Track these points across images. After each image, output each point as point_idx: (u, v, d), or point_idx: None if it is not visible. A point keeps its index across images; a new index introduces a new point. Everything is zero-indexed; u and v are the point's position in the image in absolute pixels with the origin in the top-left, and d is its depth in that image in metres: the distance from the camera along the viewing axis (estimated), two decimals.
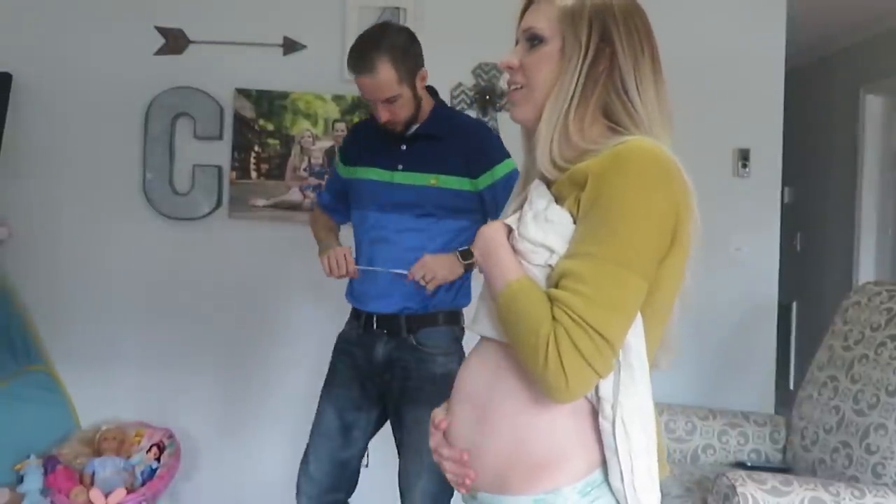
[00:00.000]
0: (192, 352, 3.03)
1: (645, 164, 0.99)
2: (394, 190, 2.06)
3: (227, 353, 3.01)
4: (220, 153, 3.04)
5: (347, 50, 2.05)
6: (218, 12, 3.04)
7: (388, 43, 1.95)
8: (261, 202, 3.01)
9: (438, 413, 1.18)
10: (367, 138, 2.15)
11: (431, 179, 2.05)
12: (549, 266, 1.02)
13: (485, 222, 2.11)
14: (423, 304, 2.07)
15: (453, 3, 3.07)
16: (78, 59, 3.01)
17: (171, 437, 2.87)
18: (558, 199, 1.06)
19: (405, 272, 2.02)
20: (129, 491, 2.61)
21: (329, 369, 2.20)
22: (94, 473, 2.69)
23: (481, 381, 1.10)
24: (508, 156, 2.10)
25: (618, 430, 0.99)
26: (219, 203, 3.03)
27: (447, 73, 3.07)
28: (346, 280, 2.15)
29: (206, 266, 3.06)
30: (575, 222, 1.02)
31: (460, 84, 3.09)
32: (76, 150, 3.03)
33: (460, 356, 2.10)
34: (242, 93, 3.02)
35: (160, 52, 3.02)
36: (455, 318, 2.14)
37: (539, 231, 1.02)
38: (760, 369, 3.21)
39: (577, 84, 1.07)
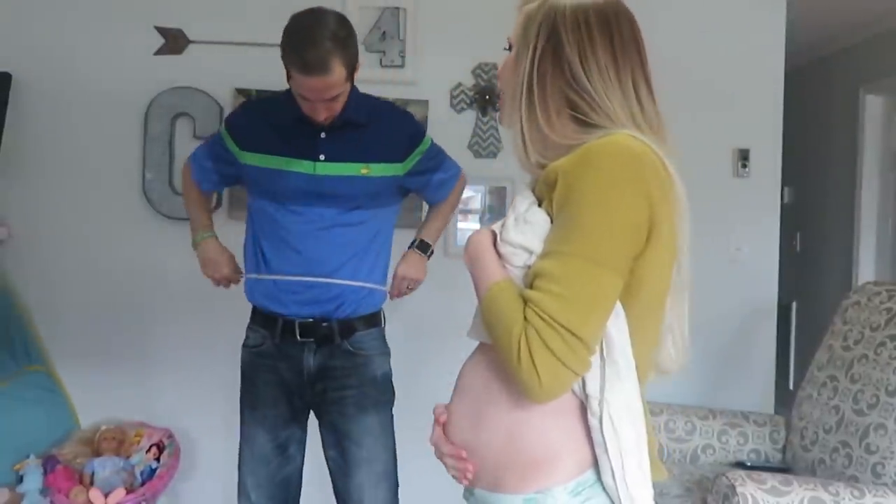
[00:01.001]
0: (191, 352, 3.03)
1: (611, 159, 1.00)
2: (317, 182, 1.90)
3: (226, 352, 2.98)
4: None
5: None
6: (218, 12, 3.04)
7: (334, 37, 1.76)
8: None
9: (440, 407, 1.18)
10: (275, 123, 1.95)
11: (362, 169, 1.92)
12: (528, 267, 1.03)
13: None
14: (354, 306, 1.96)
15: (453, 3, 3.07)
16: (78, 59, 3.01)
17: (170, 437, 2.87)
18: (540, 201, 1.07)
19: (383, 288, 1.98)
20: (129, 491, 2.60)
21: (245, 388, 2.05)
22: (93, 473, 2.69)
23: (477, 380, 1.11)
24: (426, 132, 2.09)
25: (605, 426, 0.99)
26: (218, 203, 3.03)
27: (447, 73, 3.08)
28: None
29: None
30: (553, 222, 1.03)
31: (460, 84, 3.09)
32: (76, 150, 3.02)
33: (390, 357, 2.07)
34: (242, 93, 3.02)
35: (160, 52, 3.02)
36: (379, 319, 2.05)
37: (518, 233, 1.03)
38: (760, 369, 3.21)
39: (525, 84, 1.11)
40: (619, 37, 1.10)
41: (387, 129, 1.98)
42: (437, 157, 2.09)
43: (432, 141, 2.09)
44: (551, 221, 1.03)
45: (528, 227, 1.03)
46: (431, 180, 2.09)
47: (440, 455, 1.14)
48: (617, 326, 1.00)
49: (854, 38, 4.32)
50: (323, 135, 1.92)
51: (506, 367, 1.00)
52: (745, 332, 3.18)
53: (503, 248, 1.05)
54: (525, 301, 0.98)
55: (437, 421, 1.16)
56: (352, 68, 1.84)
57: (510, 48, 1.15)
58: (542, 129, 1.09)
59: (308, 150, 1.92)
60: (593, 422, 1.00)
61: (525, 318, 0.96)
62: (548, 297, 0.96)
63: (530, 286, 0.99)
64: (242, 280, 2.09)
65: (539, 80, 1.09)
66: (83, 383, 3.00)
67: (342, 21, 1.82)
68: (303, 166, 1.91)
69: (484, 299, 1.04)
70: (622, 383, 1.00)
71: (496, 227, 1.09)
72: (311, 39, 1.74)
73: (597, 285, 0.97)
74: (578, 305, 0.96)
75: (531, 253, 1.02)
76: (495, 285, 1.02)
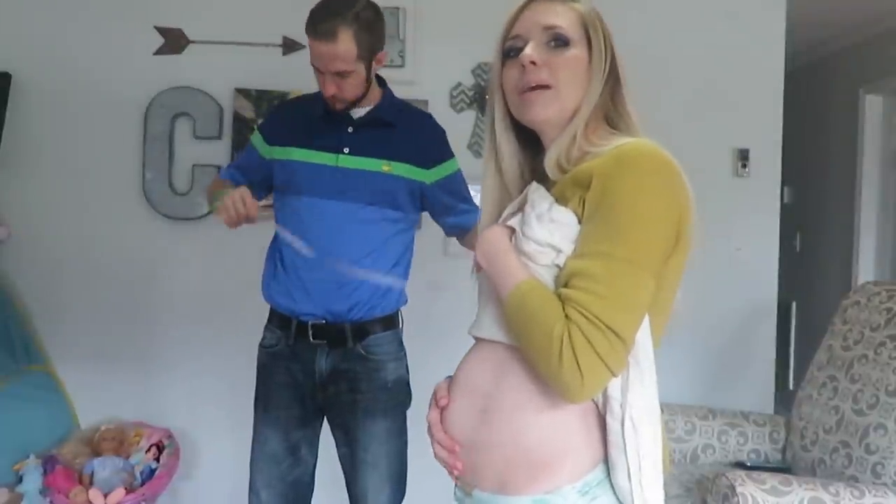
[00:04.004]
0: (191, 352, 3.03)
1: (650, 164, 1.01)
2: (338, 175, 1.90)
3: (226, 352, 3.00)
4: (220, 153, 3.04)
5: None
6: (218, 12, 3.04)
7: (354, 13, 1.78)
8: (260, 202, 3.00)
9: (442, 390, 1.17)
10: (303, 119, 1.96)
11: (384, 165, 1.90)
12: (556, 266, 1.02)
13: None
14: (368, 307, 1.93)
15: (453, 3, 3.07)
16: (78, 59, 3.01)
17: (170, 437, 2.87)
18: (560, 200, 1.06)
19: (388, 280, 1.94)
20: (129, 491, 2.60)
21: (259, 388, 2.04)
22: (93, 473, 2.69)
23: (483, 379, 1.10)
24: (453, 153, 2.04)
25: (626, 428, 0.99)
26: None
27: (447, 73, 3.08)
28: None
29: (206, 266, 3.06)
30: (580, 222, 1.03)
31: (460, 84, 3.09)
32: (76, 149, 3.02)
33: (406, 360, 2.04)
34: (242, 93, 3.02)
35: (160, 51, 3.02)
36: (396, 321, 2.01)
37: (544, 231, 1.03)
38: (760, 369, 3.21)
39: (601, 92, 1.10)
40: None
41: (415, 133, 1.97)
42: (463, 185, 2.05)
43: (460, 169, 2.05)
44: (578, 221, 1.03)
45: (554, 226, 1.03)
46: (456, 209, 2.03)
47: (431, 437, 1.14)
48: (642, 329, 1.01)
49: (854, 38, 4.32)
50: (350, 129, 1.92)
51: (538, 367, 1.00)
52: (745, 331, 3.18)
53: (527, 246, 1.04)
54: (564, 300, 0.98)
55: (436, 403, 1.15)
56: (367, 52, 1.82)
57: (566, 43, 1.10)
58: (579, 133, 1.09)
59: (333, 143, 1.92)
60: (613, 424, 1.00)
61: (567, 317, 0.96)
62: (592, 298, 0.96)
63: (565, 285, 0.99)
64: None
65: (605, 90, 1.11)
66: (83, 383, 3.00)
67: (370, 5, 1.84)
68: (326, 158, 1.91)
69: (510, 297, 1.03)
70: (644, 386, 1.01)
71: (513, 223, 1.09)
72: (328, 6, 1.79)
73: (638, 287, 0.98)
74: (622, 306, 0.96)
75: (559, 252, 1.02)
76: (524, 283, 1.02)
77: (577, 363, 0.94)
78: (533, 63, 1.10)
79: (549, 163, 1.10)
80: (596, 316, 0.95)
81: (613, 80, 1.12)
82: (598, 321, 0.95)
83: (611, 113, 1.13)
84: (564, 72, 1.10)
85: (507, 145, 1.18)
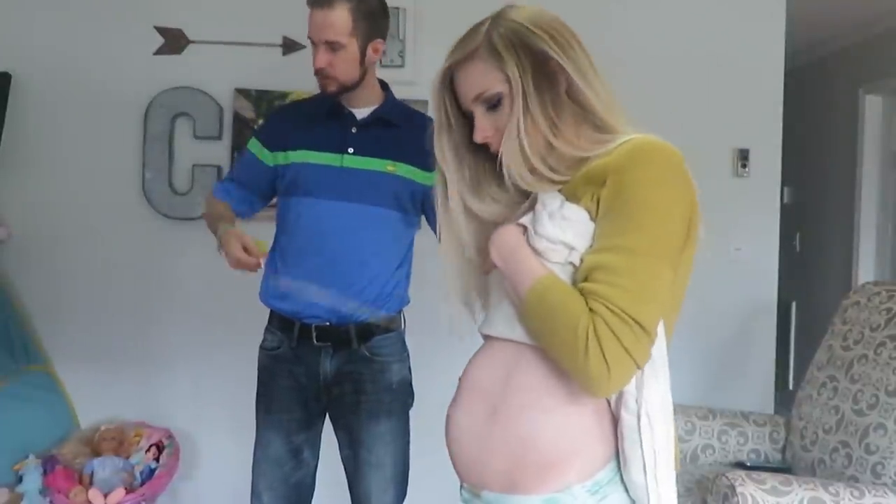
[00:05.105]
0: (191, 351, 3.03)
1: (662, 157, 1.01)
2: (344, 175, 1.89)
3: (226, 352, 3.00)
4: (220, 153, 3.04)
5: None
6: (218, 12, 3.04)
7: None
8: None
9: None
10: (305, 120, 1.96)
11: (388, 165, 1.90)
12: (570, 263, 1.02)
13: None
14: (373, 310, 1.92)
15: (453, 3, 3.07)
16: (78, 59, 3.01)
17: (170, 437, 2.87)
18: (572, 199, 1.06)
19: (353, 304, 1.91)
20: (128, 491, 2.60)
21: (261, 391, 2.03)
22: (93, 473, 2.69)
23: (493, 378, 1.10)
24: None
25: (643, 423, 0.99)
26: None
27: None
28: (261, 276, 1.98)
29: (206, 266, 3.05)
30: (592, 219, 1.03)
31: None
32: (76, 149, 3.02)
33: (409, 361, 2.04)
34: (242, 93, 3.02)
35: (160, 51, 3.02)
36: (399, 322, 2.01)
37: (557, 229, 1.02)
38: (760, 369, 3.21)
39: (541, 110, 1.06)
40: (580, 40, 1.11)
41: (418, 134, 1.94)
42: None
43: None
44: (590, 218, 1.03)
45: (566, 224, 1.02)
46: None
47: None
48: None
49: (854, 38, 4.32)
50: (353, 129, 1.92)
51: (562, 362, 0.99)
52: (745, 331, 3.18)
53: (539, 244, 1.03)
54: (586, 294, 0.97)
55: None
56: (363, 32, 1.83)
57: (498, 102, 1.08)
58: (553, 151, 1.07)
59: (337, 143, 1.91)
60: (628, 418, 1.00)
61: (591, 310, 0.96)
62: (616, 291, 0.95)
63: (585, 279, 0.99)
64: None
65: (555, 104, 1.07)
66: (83, 383, 3.00)
67: None
68: (331, 159, 1.90)
69: (530, 293, 1.02)
70: (658, 380, 1.01)
71: (525, 221, 1.08)
72: None
73: (658, 279, 0.98)
74: (643, 298, 0.96)
75: (572, 249, 1.02)
76: (545, 278, 1.01)
77: (604, 356, 0.94)
78: (487, 137, 1.10)
79: (525, 185, 1.08)
80: (622, 309, 0.95)
81: (567, 84, 1.07)
82: (624, 314, 0.94)
83: (578, 115, 1.09)
84: (513, 126, 1.07)
85: (469, 229, 1.16)
